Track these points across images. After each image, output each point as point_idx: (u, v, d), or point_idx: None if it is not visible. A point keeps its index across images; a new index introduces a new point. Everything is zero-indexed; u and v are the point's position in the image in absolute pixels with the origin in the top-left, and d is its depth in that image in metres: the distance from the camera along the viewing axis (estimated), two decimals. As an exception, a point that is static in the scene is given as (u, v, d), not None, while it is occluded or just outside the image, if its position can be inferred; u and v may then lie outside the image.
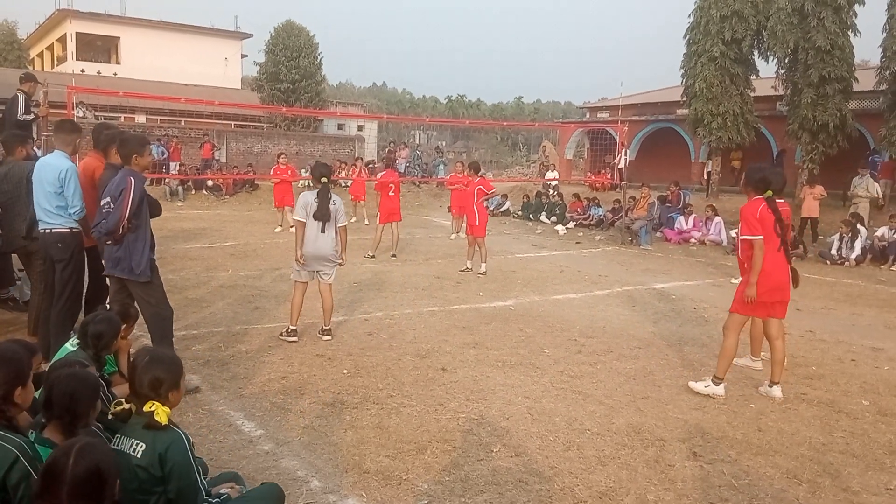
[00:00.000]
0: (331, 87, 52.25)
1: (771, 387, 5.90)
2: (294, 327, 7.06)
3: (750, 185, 5.89)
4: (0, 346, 2.84)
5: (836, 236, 14.94)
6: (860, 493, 4.22)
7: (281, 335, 7.06)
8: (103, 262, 5.58)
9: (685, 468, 4.46)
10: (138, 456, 2.88)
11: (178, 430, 3.02)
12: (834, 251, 14.67)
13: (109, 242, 5.33)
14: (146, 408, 2.97)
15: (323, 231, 6.96)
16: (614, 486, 4.17)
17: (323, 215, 6.92)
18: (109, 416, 2.97)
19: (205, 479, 3.12)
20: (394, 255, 13.01)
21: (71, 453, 2.24)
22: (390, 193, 13.43)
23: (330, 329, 7.21)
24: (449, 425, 5.00)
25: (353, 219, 18.57)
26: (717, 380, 5.84)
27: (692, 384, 5.98)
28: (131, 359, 3.82)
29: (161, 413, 2.91)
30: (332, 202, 7.00)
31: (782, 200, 6.32)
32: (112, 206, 5.22)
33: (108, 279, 5.66)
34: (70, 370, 3.13)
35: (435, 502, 3.92)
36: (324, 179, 7.05)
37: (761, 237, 5.60)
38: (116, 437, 3.04)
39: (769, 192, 5.71)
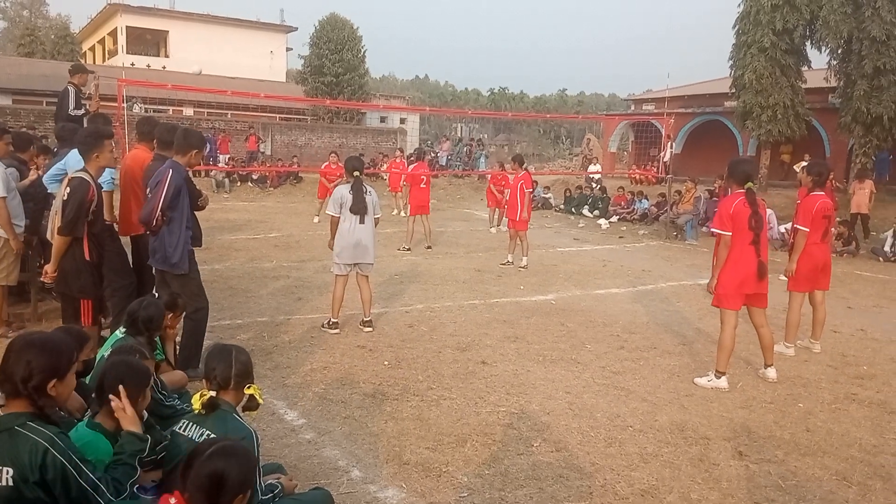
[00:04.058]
0: (374, 79, 52.40)
1: (766, 368, 6.17)
2: (336, 320, 7.12)
3: (732, 177, 5.96)
4: (44, 335, 2.80)
5: (890, 232, 14.49)
6: (913, 497, 4.09)
7: (323, 326, 7.13)
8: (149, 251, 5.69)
9: (730, 467, 4.38)
10: None
11: (251, 428, 3.06)
12: (888, 248, 14.22)
13: (148, 233, 5.45)
14: (247, 390, 3.14)
15: (362, 222, 7.03)
16: (657, 484, 4.12)
17: (360, 208, 7.00)
18: (197, 410, 3.00)
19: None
20: (429, 247, 13.04)
21: (208, 449, 2.42)
22: (422, 185, 13.47)
23: (371, 320, 7.26)
24: (489, 419, 5.00)
25: (395, 210, 18.69)
26: (718, 373, 5.90)
27: (696, 380, 5.99)
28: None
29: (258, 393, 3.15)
30: (367, 193, 7.07)
31: (822, 193, 6.53)
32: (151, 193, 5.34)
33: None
34: (121, 357, 3.20)
35: (475, 495, 3.92)
36: (356, 173, 7.12)
37: (729, 234, 5.72)
38: (183, 423, 3.08)
39: (749, 184, 5.79)
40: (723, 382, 5.86)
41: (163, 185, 5.25)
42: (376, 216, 7.21)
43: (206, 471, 2.36)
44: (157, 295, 4.77)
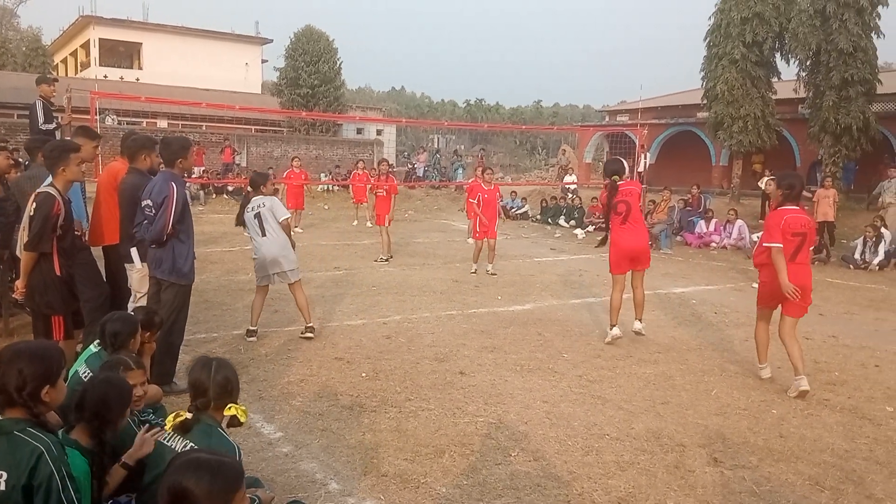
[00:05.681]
0: (350, 91, 52.39)
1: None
2: (254, 328, 7.20)
3: (604, 173, 7.98)
4: (32, 343, 2.85)
5: (860, 240, 14.75)
6: (884, 500, 4.17)
7: (245, 336, 7.15)
8: (147, 263, 5.66)
9: (705, 474, 4.42)
10: None
11: (234, 443, 3.03)
12: (857, 255, 14.48)
13: (154, 246, 5.43)
14: (227, 411, 3.07)
15: (263, 235, 7.08)
16: (633, 492, 4.14)
17: (251, 224, 7.09)
18: (169, 430, 2.98)
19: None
20: (385, 259, 12.92)
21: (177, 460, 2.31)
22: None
23: (312, 326, 7.26)
24: (467, 429, 5.00)
25: (368, 223, 18.73)
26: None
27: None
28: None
29: (240, 413, 3.10)
30: (260, 207, 7.07)
31: (794, 207, 6.11)
32: (153, 209, 5.33)
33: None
34: (106, 375, 3.16)
35: (453, 506, 3.91)
36: (249, 189, 7.33)
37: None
38: (169, 435, 3.05)
39: (614, 177, 7.42)
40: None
41: (170, 201, 5.30)
42: (281, 220, 7.16)
43: (167, 484, 2.12)
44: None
